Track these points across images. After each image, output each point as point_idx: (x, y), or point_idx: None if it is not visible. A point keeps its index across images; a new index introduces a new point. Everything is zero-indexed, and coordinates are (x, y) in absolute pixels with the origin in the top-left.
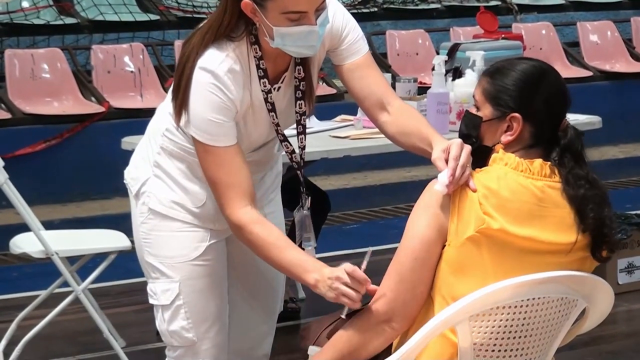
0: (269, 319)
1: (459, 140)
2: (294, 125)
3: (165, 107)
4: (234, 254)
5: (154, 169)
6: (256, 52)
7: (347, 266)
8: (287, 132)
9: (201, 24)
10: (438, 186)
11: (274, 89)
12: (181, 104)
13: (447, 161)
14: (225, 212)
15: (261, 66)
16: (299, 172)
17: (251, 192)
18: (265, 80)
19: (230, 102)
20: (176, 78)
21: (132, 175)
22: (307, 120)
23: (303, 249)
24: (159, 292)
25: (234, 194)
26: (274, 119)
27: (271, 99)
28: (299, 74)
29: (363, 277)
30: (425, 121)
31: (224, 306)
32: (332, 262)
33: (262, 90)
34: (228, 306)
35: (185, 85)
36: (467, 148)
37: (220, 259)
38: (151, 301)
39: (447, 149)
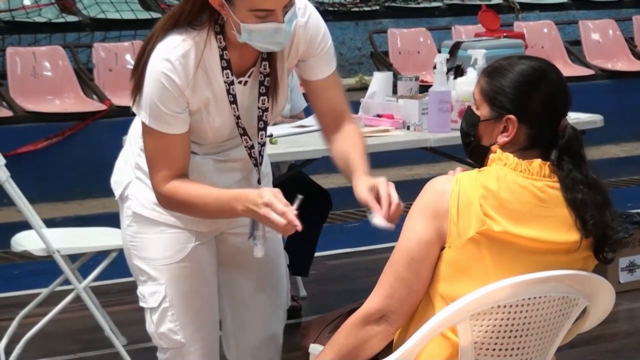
0: (276, 315)
1: (384, 180)
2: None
3: None
4: (228, 253)
5: (135, 171)
6: (220, 42)
7: (267, 198)
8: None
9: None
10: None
11: (240, 82)
12: (136, 86)
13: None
14: (154, 187)
15: (225, 57)
16: (256, 168)
17: (185, 175)
18: (228, 71)
19: (179, 92)
20: (136, 61)
21: (116, 179)
22: (270, 116)
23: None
24: (147, 294)
25: (164, 175)
26: (235, 111)
27: (233, 90)
28: (265, 69)
29: (284, 204)
30: (359, 152)
31: (214, 307)
32: (333, 260)
33: (225, 82)
34: (232, 306)
35: (142, 69)
36: (392, 186)
37: (207, 259)
38: (141, 304)
39: (375, 188)
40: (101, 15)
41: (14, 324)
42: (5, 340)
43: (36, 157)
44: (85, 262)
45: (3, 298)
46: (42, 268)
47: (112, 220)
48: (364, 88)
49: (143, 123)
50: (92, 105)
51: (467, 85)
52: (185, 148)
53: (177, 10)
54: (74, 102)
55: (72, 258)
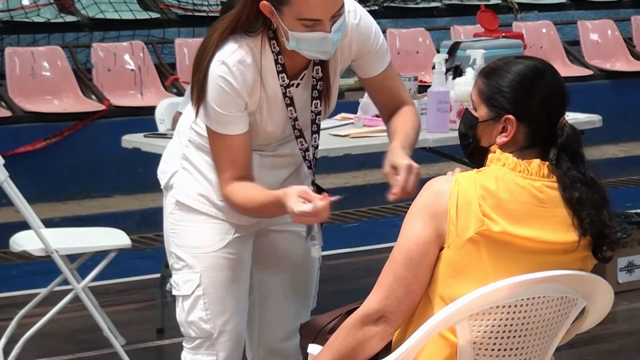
0: (303, 315)
1: (406, 165)
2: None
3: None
4: (265, 249)
5: (182, 162)
6: (274, 47)
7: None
8: None
9: (221, 20)
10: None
11: (293, 84)
12: (199, 96)
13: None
14: (219, 188)
15: (279, 61)
16: (310, 169)
17: (247, 175)
18: (284, 74)
19: (237, 95)
20: (194, 71)
21: (162, 169)
22: (322, 119)
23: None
24: (181, 282)
25: (228, 177)
26: (291, 114)
27: (289, 93)
28: (317, 73)
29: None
30: (404, 126)
31: (244, 301)
32: (332, 260)
33: (281, 85)
34: (262, 302)
35: (203, 77)
36: (415, 172)
37: (244, 253)
38: (173, 292)
39: (397, 168)
40: (100, 15)
41: (13, 324)
42: (4, 340)
43: (35, 157)
44: (83, 262)
45: (2, 298)
46: (41, 268)
47: (110, 220)
48: (363, 88)
49: (208, 127)
50: (91, 105)
51: (466, 86)
52: (246, 148)
53: (234, 17)
54: (73, 102)
55: (71, 258)
